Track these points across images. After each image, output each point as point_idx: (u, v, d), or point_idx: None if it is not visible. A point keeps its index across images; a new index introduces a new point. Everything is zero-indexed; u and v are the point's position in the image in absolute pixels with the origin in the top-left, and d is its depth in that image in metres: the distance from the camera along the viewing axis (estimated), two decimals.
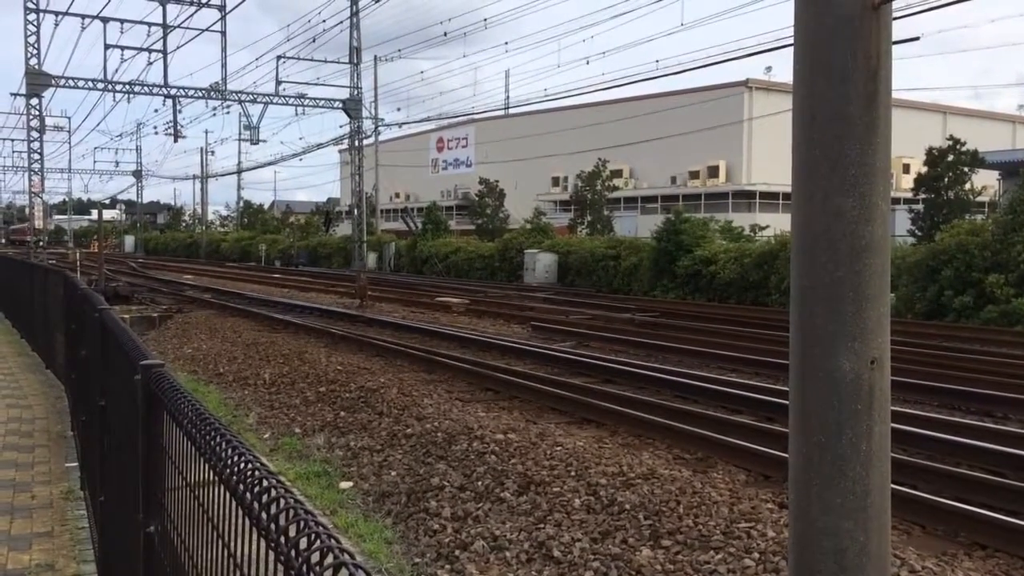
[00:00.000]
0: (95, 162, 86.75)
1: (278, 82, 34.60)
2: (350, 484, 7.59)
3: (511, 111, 57.65)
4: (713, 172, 57.68)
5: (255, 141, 38.68)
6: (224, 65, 33.33)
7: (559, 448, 7.55)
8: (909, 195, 32.72)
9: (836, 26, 2.81)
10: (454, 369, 12.49)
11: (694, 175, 58.65)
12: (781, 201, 50.36)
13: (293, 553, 1.35)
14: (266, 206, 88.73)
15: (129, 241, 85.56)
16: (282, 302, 24.57)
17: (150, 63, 32.12)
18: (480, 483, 7.00)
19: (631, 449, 7.90)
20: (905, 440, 7.67)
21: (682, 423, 8.59)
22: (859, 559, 2.88)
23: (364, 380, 11.47)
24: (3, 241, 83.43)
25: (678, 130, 53.95)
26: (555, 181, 65.88)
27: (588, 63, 74.51)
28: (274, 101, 35.19)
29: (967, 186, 28.03)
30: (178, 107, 34.73)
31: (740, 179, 55.82)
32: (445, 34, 39.47)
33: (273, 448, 9.00)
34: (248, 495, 1.63)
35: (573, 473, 6.83)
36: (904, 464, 6.85)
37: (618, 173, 56.08)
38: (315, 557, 1.28)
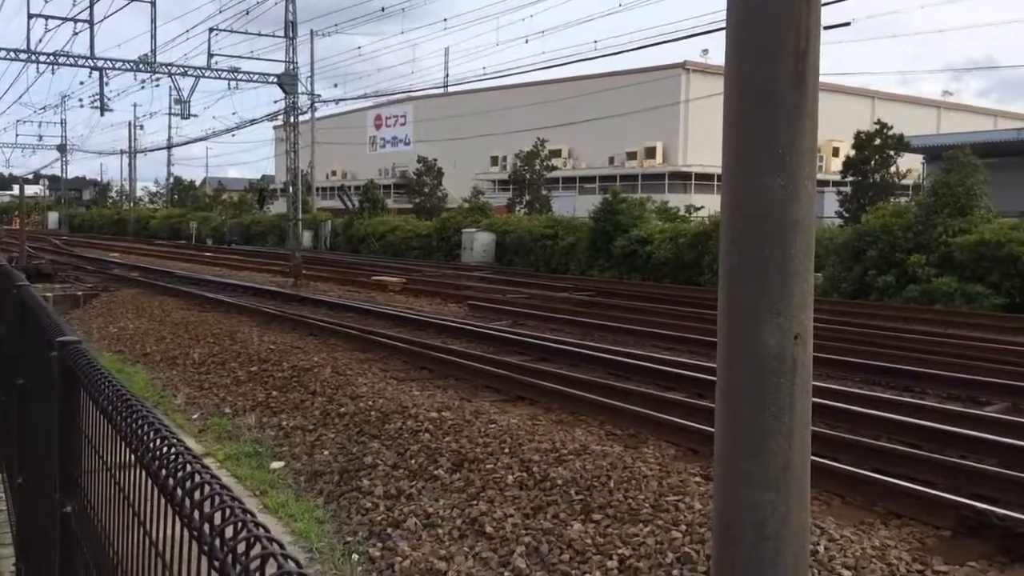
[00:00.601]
0: (17, 136, 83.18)
1: (210, 55, 33.70)
2: (281, 464, 7.51)
3: (450, 89, 57.24)
4: (650, 153, 58.25)
5: (186, 116, 37.64)
6: (153, 36, 32.34)
7: (493, 425, 7.59)
8: (838, 177, 33.56)
9: (766, 8, 2.85)
10: (389, 348, 12.42)
11: (632, 156, 59.14)
12: (716, 183, 51.10)
13: (217, 542, 1.29)
14: (197, 183, 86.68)
15: (53, 218, 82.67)
16: (213, 281, 24.09)
17: (76, 33, 30.95)
18: (414, 461, 7.00)
19: (564, 426, 7.97)
20: (828, 414, 7.90)
21: (615, 400, 8.70)
22: (779, 529, 2.96)
23: (297, 359, 11.34)
24: None
25: (616, 111, 54.27)
26: (494, 160, 65.75)
27: (527, 42, 74.24)
28: (206, 75, 34.27)
29: (893, 169, 28.86)
30: (105, 79, 33.62)
31: (676, 160, 56.50)
32: (383, 9, 38.96)
33: (202, 429, 8.85)
34: (171, 480, 1.58)
35: (507, 450, 6.86)
36: (827, 437, 7.06)
37: (557, 153, 56.21)
38: (241, 547, 1.23)
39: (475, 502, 5.97)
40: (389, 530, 5.78)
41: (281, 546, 1.15)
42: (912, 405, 8.65)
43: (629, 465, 6.28)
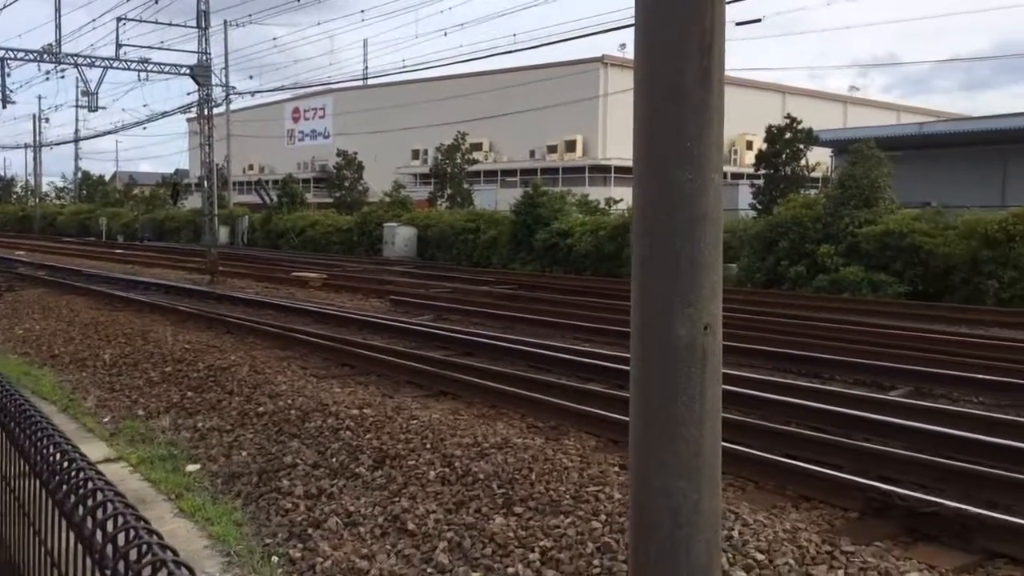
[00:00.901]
0: None
1: (118, 45, 32.56)
2: (197, 466, 7.32)
3: (370, 82, 56.58)
4: (570, 147, 58.75)
5: (93, 108, 36.31)
6: (58, 26, 31.11)
7: (415, 421, 7.55)
8: (751, 170, 34.44)
9: (672, 5, 2.90)
10: (310, 345, 12.24)
11: (552, 149, 59.56)
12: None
13: (109, 550, 1.26)
14: (107, 177, 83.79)
15: None
16: (125, 279, 23.33)
17: None
18: (335, 459, 6.91)
19: (486, 420, 7.99)
20: (742, 402, 8.12)
21: (537, 393, 8.76)
22: (693, 515, 3.03)
23: (214, 358, 11.08)
24: None
25: (537, 104, 54.54)
26: (415, 154, 65.35)
27: (446, 35, 74.06)
28: (114, 66, 33.10)
29: (803, 162, 29.75)
30: (6, 70, 32.15)
31: (596, 154, 57.13)
32: (299, 0, 38.24)
33: (114, 432, 8.56)
34: (63, 487, 1.53)
35: (429, 446, 6.85)
36: (741, 424, 7.25)
37: (478, 146, 56.17)
38: (133, 554, 1.19)
39: (397, 499, 5.94)
40: (310, 530, 5.70)
41: (175, 553, 1.12)
42: (821, 391, 8.95)
43: (550, 457, 6.34)
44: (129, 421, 8.86)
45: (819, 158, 37.03)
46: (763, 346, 11.72)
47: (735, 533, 4.73)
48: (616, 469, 6.02)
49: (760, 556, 4.46)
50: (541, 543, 4.95)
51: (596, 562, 4.63)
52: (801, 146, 29.68)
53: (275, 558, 5.31)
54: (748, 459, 6.29)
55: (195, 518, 5.98)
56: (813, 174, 31.25)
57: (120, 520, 1.31)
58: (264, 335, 13.25)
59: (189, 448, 7.83)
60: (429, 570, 4.92)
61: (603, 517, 5.13)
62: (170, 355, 11.57)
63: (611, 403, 8.09)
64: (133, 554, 1.21)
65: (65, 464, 1.61)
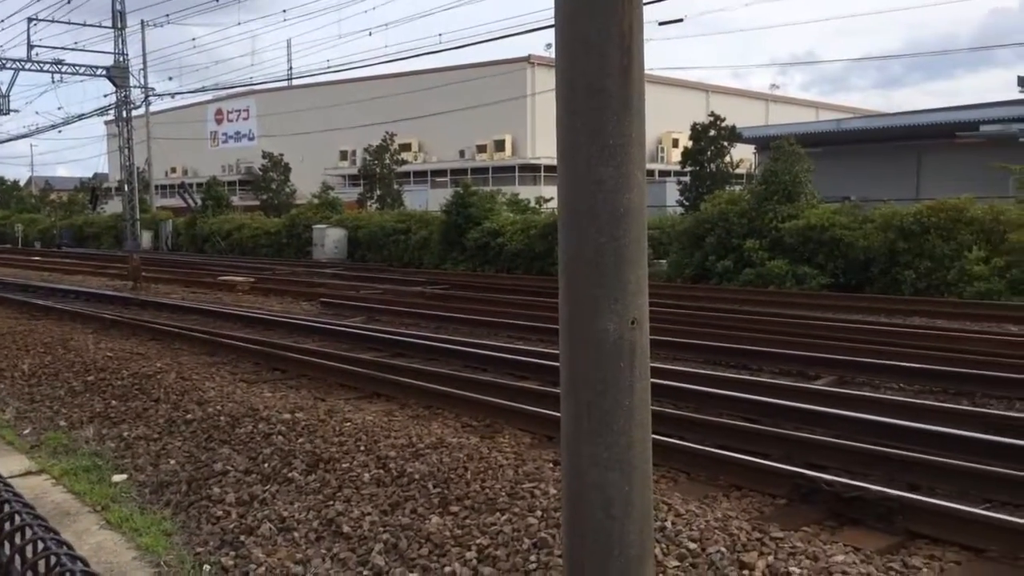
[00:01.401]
0: None
1: (30, 46, 31.51)
2: (124, 476, 7.13)
3: (294, 83, 55.74)
4: (500, 146, 58.89)
5: (5, 111, 35.09)
6: None
7: (348, 424, 7.48)
8: (678, 168, 35.02)
9: (590, 4, 2.94)
10: (238, 350, 12.01)
11: (482, 149, 59.60)
12: None
13: (17, 562, 1.22)
14: (22, 183, 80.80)
15: None
16: (43, 287, 22.54)
17: None
18: (267, 465, 6.81)
19: (421, 420, 7.96)
20: (674, 395, 8.26)
21: (471, 392, 8.76)
22: (625, 507, 3.08)
23: (138, 366, 10.79)
24: None
25: (464, 104, 54.51)
26: (343, 155, 64.67)
27: (371, 34, 73.57)
28: (26, 67, 32.01)
29: (727, 159, 30.39)
30: None
31: (525, 152, 57.37)
32: (217, 0, 37.48)
33: (35, 444, 8.28)
34: None
35: (363, 448, 6.79)
36: (672, 417, 7.38)
37: (407, 147, 55.94)
38: (42, 565, 1.16)
39: (331, 503, 5.88)
40: (242, 537, 5.60)
41: (85, 563, 1.10)
42: (749, 382, 9.16)
43: (485, 455, 6.35)
44: (51, 432, 8.57)
45: (743, 155, 37.90)
46: (693, 339, 11.94)
47: (668, 524, 4.81)
48: (551, 465, 6.06)
49: (693, 545, 4.55)
50: (478, 541, 4.96)
51: (533, 558, 4.66)
52: (725, 143, 30.32)
53: (207, 567, 5.20)
54: (680, 451, 6.40)
55: (122, 529, 5.82)
56: (737, 171, 31.95)
57: (28, 532, 1.27)
58: (191, 341, 12.96)
59: (115, 458, 7.62)
60: (365, 573, 4.88)
61: (539, 513, 5.16)
62: (92, 364, 11.22)
63: (545, 400, 8.15)
64: (42, 565, 1.18)
65: None
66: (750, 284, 19.88)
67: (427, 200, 44.18)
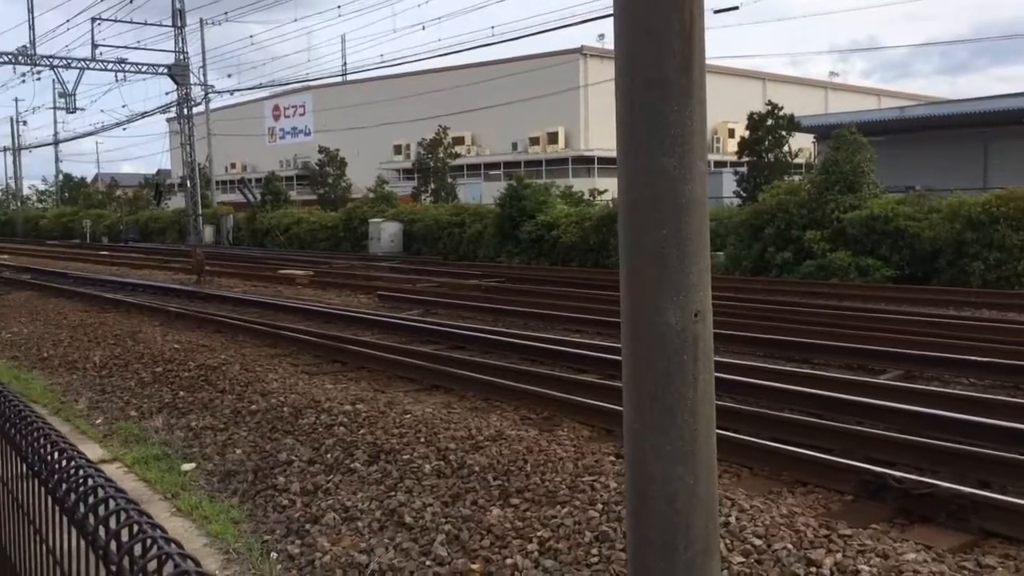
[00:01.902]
0: None
1: (94, 46, 32.39)
2: (192, 465, 7.31)
3: (349, 78, 56.39)
4: (552, 138, 58.73)
5: (72, 109, 36.17)
6: (32, 27, 30.87)
7: (408, 416, 7.56)
8: (734, 158, 34.53)
9: None
10: (299, 342, 12.22)
11: (534, 141, 59.51)
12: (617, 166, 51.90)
13: (113, 546, 1.26)
14: (89, 179, 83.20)
15: None
16: (111, 280, 23.21)
17: None
18: (329, 455, 6.92)
19: (479, 413, 8.01)
20: (735, 388, 8.16)
21: (529, 384, 8.78)
22: (690, 501, 3.05)
23: (204, 358, 11.04)
24: None
25: (517, 97, 54.50)
26: (397, 149, 65.19)
27: (424, 29, 73.65)
28: (91, 66, 32.92)
29: (785, 149, 29.84)
30: None
31: (578, 144, 57.13)
32: None
33: (107, 434, 8.54)
34: (63, 486, 1.53)
35: (423, 439, 6.86)
36: (734, 411, 7.30)
37: (460, 140, 56.13)
38: (138, 549, 1.20)
39: (393, 493, 5.95)
40: (307, 526, 5.71)
41: (179, 546, 1.13)
42: (812, 376, 9.01)
43: (545, 448, 6.36)
44: (122, 422, 8.83)
45: (802, 144, 37.17)
46: (753, 333, 11.78)
47: (732, 519, 4.77)
48: (611, 458, 6.05)
49: (758, 541, 4.50)
50: (539, 534, 4.98)
51: (595, 551, 4.66)
52: (783, 132, 29.75)
53: (274, 554, 5.31)
54: (743, 445, 6.33)
55: (192, 516, 5.98)
56: (796, 160, 31.35)
57: (123, 516, 1.31)
58: (253, 333, 13.22)
59: (183, 447, 7.82)
60: (428, 563, 4.93)
61: (600, 506, 5.15)
62: (160, 355, 11.53)
63: (604, 393, 8.13)
64: (138, 549, 1.21)
65: (65, 463, 1.61)
66: (811, 276, 19.53)
67: (480, 193, 44.33)
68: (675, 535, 3.03)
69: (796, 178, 26.46)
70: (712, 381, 3.06)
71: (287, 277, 23.32)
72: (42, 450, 1.75)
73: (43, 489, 1.70)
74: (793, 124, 30.02)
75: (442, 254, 31.18)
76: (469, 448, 6.52)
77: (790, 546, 4.42)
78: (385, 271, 25.73)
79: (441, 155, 44.12)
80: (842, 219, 19.77)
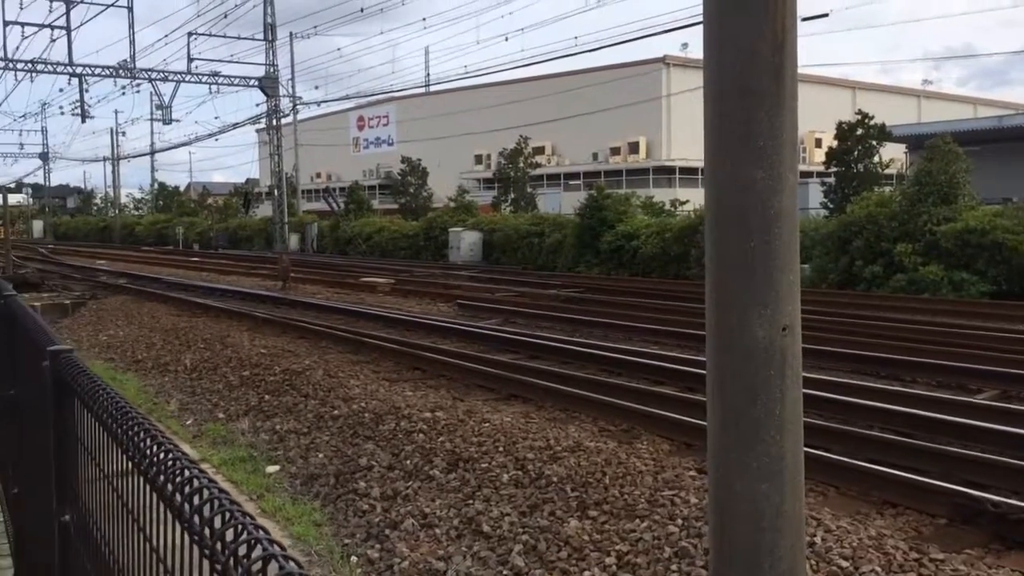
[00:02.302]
0: None
1: (190, 59, 33.63)
2: (277, 468, 7.50)
3: (432, 88, 57.18)
4: (634, 148, 58.35)
5: (168, 121, 37.58)
6: (132, 42, 32.22)
7: (487, 424, 7.60)
8: (821, 168, 33.70)
9: (742, 2, 2.87)
10: (380, 349, 12.41)
11: (615, 151, 59.23)
12: (700, 176, 51.13)
13: (219, 545, 1.29)
14: (182, 188, 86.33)
15: (38, 226, 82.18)
16: (202, 286, 23.99)
17: (53, 40, 30.86)
18: (409, 462, 7.00)
19: (558, 423, 7.99)
20: (821, 405, 7.94)
21: (607, 396, 8.72)
22: (775, 520, 2.98)
23: (289, 363, 11.32)
24: None
25: (598, 107, 54.34)
26: (478, 159, 65.74)
27: (507, 39, 74.31)
28: (186, 79, 34.18)
29: (875, 159, 28.99)
30: (85, 86, 33.48)
31: (660, 155, 56.62)
32: (362, 10, 38.89)
33: (196, 435, 8.83)
34: (169, 485, 1.58)
35: (501, 449, 6.88)
36: (820, 428, 7.10)
37: (540, 150, 56.27)
38: (242, 549, 1.23)
39: (471, 501, 5.99)
40: (387, 531, 5.79)
41: (282, 548, 1.16)
42: (903, 394, 8.71)
43: (623, 461, 6.31)
44: (210, 424, 9.12)
45: (893, 154, 36.06)
46: (840, 348, 11.46)
47: (818, 539, 4.64)
48: (692, 473, 5.96)
49: (844, 563, 4.37)
50: (617, 547, 4.93)
51: (674, 567, 4.59)
52: (874, 142, 28.92)
53: (354, 558, 5.40)
54: (829, 464, 6.16)
55: (276, 518, 6.12)
56: (887, 171, 30.42)
57: (227, 515, 1.35)
58: (336, 339, 13.49)
59: (268, 450, 8.02)
60: (505, 572, 4.94)
61: (680, 521, 5.08)
62: (247, 360, 11.86)
63: (684, 406, 8.01)
64: (243, 549, 1.25)
65: (171, 461, 1.67)
66: (901, 291, 18.88)
67: (560, 203, 44.32)
68: (759, 554, 2.96)
69: (887, 189, 25.66)
70: (800, 397, 2.99)
71: (369, 285, 23.73)
72: (147, 447, 1.81)
73: (148, 486, 1.76)
74: (884, 134, 29.14)
75: (521, 263, 31.27)
76: (547, 458, 6.51)
77: (878, 569, 4.28)
78: (464, 280, 25.94)
79: (521, 165, 44.31)
80: (935, 232, 19.07)
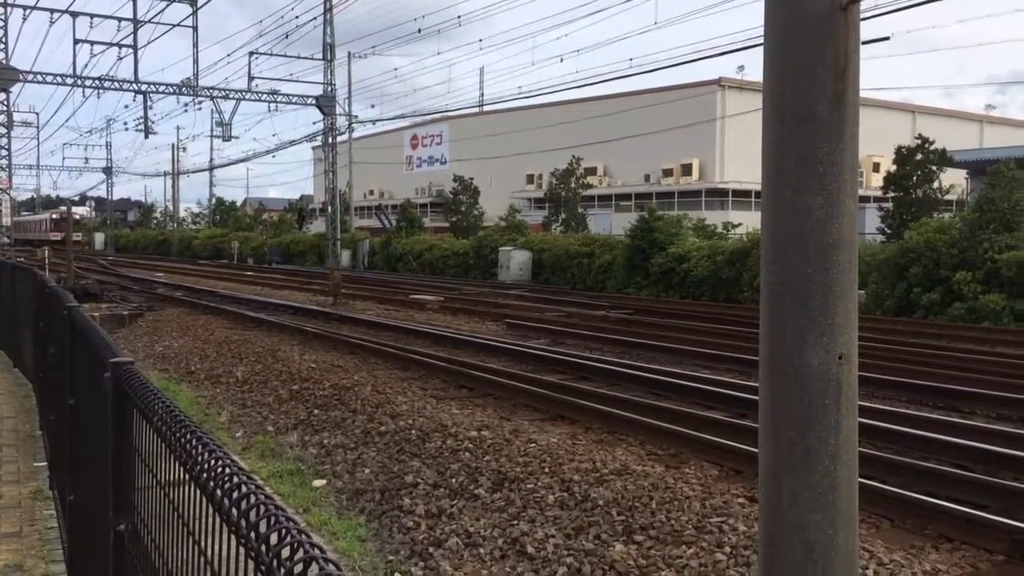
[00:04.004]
0: (64, 158, 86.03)
1: (250, 78, 34.37)
2: (323, 482, 7.56)
3: (485, 108, 57.65)
4: (686, 170, 58.03)
5: (227, 137, 38.40)
6: (195, 61, 33.04)
7: (533, 445, 7.57)
8: (879, 193, 33.14)
9: (805, 26, 2.85)
10: (428, 366, 12.47)
11: (668, 173, 58.96)
12: (753, 199, 50.77)
13: (264, 548, 1.34)
14: (238, 203, 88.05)
15: (99, 238, 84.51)
16: (255, 300, 24.40)
17: (120, 58, 31.83)
18: (454, 480, 7.01)
19: (604, 445, 7.93)
20: (875, 435, 7.77)
21: (655, 419, 8.64)
22: (827, 552, 2.92)
23: (338, 378, 11.43)
24: None
25: (652, 128, 54.19)
26: (529, 179, 65.95)
27: (562, 61, 74.90)
28: (246, 97, 34.91)
29: (935, 184, 28.41)
30: (149, 103, 34.40)
31: (713, 177, 56.20)
32: (419, 31, 39.36)
33: (246, 447, 8.95)
34: (219, 492, 1.62)
35: (547, 469, 6.85)
36: (873, 458, 6.94)
37: (592, 171, 56.24)
38: (285, 552, 1.28)
39: (516, 522, 5.96)
40: (431, 549, 5.79)
41: (322, 550, 1.20)
42: (960, 425, 8.47)
43: (671, 486, 6.24)
44: (260, 436, 9.23)
45: (953, 180, 35.30)
46: (895, 376, 11.20)
47: (870, 572, 4.53)
48: (741, 500, 5.86)
49: None
50: (663, 573, 4.87)
51: None
52: (934, 167, 28.37)
53: (398, 575, 5.41)
54: (882, 495, 6.01)
55: (321, 532, 6.17)
56: (947, 197, 29.79)
57: (272, 520, 1.39)
58: (385, 356, 13.59)
59: (316, 464, 8.09)
60: None
61: (728, 549, 5.00)
62: (297, 374, 12.00)
63: (733, 432, 7.90)
64: (285, 551, 1.29)
65: (221, 468, 1.71)
66: (960, 319, 18.41)
67: (611, 224, 44.21)
68: None
69: (946, 216, 25.11)
70: (855, 427, 2.93)
71: (418, 302, 23.89)
72: (197, 453, 1.85)
73: (200, 492, 1.81)
74: (944, 159, 28.57)
75: (570, 284, 31.21)
76: (593, 481, 6.47)
77: None
78: (513, 299, 25.97)
79: (573, 185, 44.35)
80: (997, 260, 18.58)
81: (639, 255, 27.91)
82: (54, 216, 74.57)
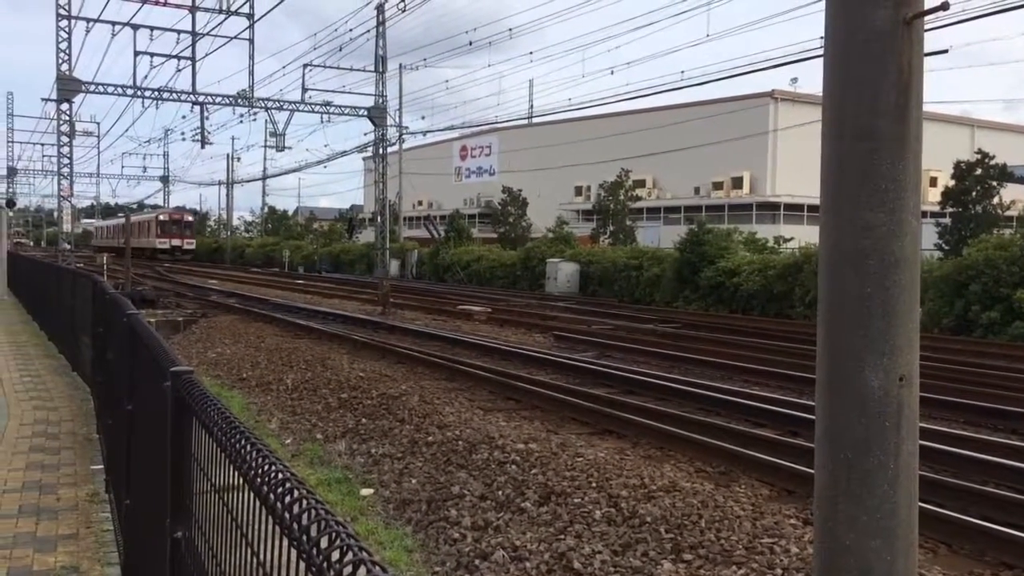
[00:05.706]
0: (123, 167, 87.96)
1: (304, 89, 34.88)
2: (371, 491, 7.60)
3: (535, 120, 57.78)
4: (737, 183, 57.43)
5: (280, 148, 38.96)
6: (251, 72, 33.63)
7: (580, 459, 7.53)
8: (936, 208, 32.44)
9: (868, 40, 2.80)
10: (475, 377, 12.49)
11: (718, 186, 58.42)
12: (806, 213, 50.04)
13: (315, 551, 1.39)
14: (290, 212, 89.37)
15: None
16: (305, 308, 24.70)
17: (179, 70, 32.54)
18: (501, 492, 6.99)
19: (653, 461, 7.85)
20: (931, 457, 7.57)
21: (704, 436, 8.53)
22: None
23: (386, 387, 11.50)
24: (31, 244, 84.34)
25: (702, 140, 53.78)
26: (578, 190, 65.85)
27: (612, 73, 74.83)
28: (300, 108, 35.44)
29: (995, 200, 27.73)
30: (205, 114, 35.08)
31: (764, 190, 55.53)
32: (470, 43, 39.61)
33: (295, 454, 9.04)
34: (271, 496, 1.66)
35: (594, 484, 6.80)
36: (930, 481, 6.76)
37: (641, 183, 56.01)
38: (335, 555, 1.32)
39: (563, 536, 5.93)
40: (477, 562, 5.78)
41: (370, 553, 1.25)
42: (1022, 448, 8.22)
43: (720, 504, 6.15)
44: (309, 444, 9.33)
45: (1014, 195, 34.39)
46: (954, 397, 10.92)
47: None
48: (793, 521, 5.76)
49: None
50: None
51: None
52: (993, 183, 27.70)
53: None
54: (940, 519, 5.85)
55: (368, 541, 6.19)
56: (1008, 213, 29.04)
57: (323, 524, 1.44)
58: (432, 366, 13.64)
59: (363, 473, 8.14)
60: None
61: (779, 571, 4.91)
62: (346, 382, 12.11)
63: (785, 450, 7.76)
64: (335, 554, 1.34)
65: (274, 474, 1.75)
66: (1021, 339, 17.90)
67: (659, 237, 43.91)
68: None
69: (1007, 232, 24.46)
70: (916, 451, 2.85)
71: (466, 313, 23.96)
72: (251, 458, 1.90)
73: (254, 495, 1.85)
74: (1005, 174, 27.89)
75: (618, 296, 31.05)
76: (641, 497, 6.40)
77: None
78: (561, 311, 25.91)
79: (622, 197, 44.19)
80: None
81: (688, 268, 27.66)
82: (161, 218, 66.42)
